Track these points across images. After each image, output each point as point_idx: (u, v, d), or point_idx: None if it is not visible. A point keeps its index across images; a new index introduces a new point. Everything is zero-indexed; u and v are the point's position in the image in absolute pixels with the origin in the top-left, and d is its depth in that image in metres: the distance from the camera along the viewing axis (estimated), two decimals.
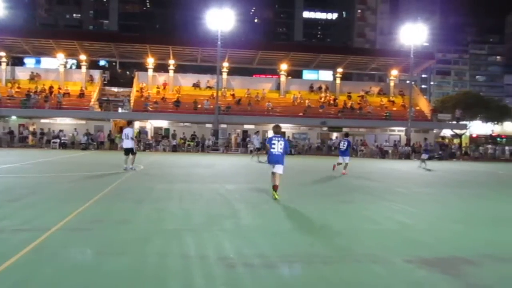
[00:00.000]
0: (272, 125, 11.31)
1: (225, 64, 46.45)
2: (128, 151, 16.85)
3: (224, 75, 46.55)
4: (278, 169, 10.22)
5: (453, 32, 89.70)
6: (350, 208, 9.48)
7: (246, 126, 42.47)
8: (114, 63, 68.65)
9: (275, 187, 10.28)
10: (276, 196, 10.16)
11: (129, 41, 44.28)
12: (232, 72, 48.87)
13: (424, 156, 25.47)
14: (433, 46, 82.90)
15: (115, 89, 48.19)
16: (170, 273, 4.95)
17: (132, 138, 16.84)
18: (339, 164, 18.71)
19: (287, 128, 43.26)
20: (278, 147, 10.16)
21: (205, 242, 6.24)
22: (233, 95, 45.60)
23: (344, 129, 39.59)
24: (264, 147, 12.47)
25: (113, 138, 38.13)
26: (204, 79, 47.18)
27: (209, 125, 40.06)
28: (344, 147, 18.50)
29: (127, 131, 16.93)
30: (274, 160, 10.21)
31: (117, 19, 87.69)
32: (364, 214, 8.75)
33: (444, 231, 7.47)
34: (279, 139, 10.26)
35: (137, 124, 39.98)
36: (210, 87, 45.54)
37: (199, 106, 41.86)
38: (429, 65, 58.07)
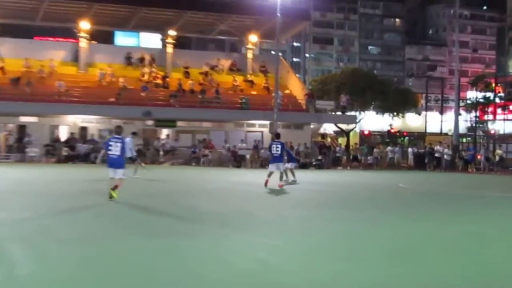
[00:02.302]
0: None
1: None
2: None
3: None
4: (117, 173, 16.38)
5: None
6: (193, 246, 10.53)
7: (23, 119, 43.86)
8: None
9: (114, 188, 16.03)
10: (114, 195, 15.92)
11: None
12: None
13: (290, 165, 27.57)
14: (309, 0, 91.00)
15: None
16: None
17: None
18: (270, 175, 23.02)
19: (90, 122, 45.58)
20: (115, 149, 16.33)
21: None
22: (1, 68, 46.67)
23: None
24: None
25: None
26: None
27: None
28: (278, 152, 23.06)
29: None
30: (112, 163, 16.42)
31: None
32: (213, 252, 9.90)
33: (321, 271, 8.74)
34: (117, 140, 16.46)
35: None
36: None
37: None
38: (303, 28, 65.10)
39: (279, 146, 23.24)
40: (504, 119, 65.66)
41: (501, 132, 64.37)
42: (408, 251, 10.67)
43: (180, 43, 56.81)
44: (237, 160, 44.51)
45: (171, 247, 10.32)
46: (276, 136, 25.49)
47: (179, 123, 47.46)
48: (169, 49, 53.57)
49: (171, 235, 11.69)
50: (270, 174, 23.20)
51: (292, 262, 9.38)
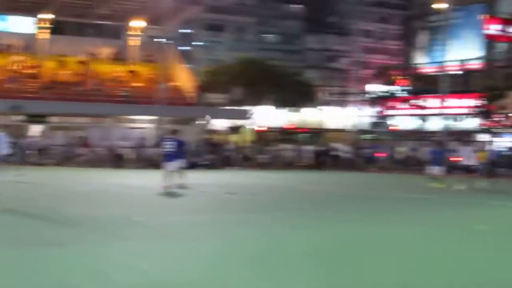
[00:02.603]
0: None
1: None
2: None
3: None
4: None
5: None
6: (62, 256, 9.98)
7: None
8: None
9: None
10: None
11: None
12: None
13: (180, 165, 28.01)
14: None
15: None
16: None
17: None
18: (167, 176, 22.68)
19: None
20: None
21: None
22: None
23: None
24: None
25: None
26: None
27: None
28: (174, 150, 22.73)
29: None
30: None
31: None
32: (87, 264, 9.33)
33: (213, 285, 8.49)
34: None
35: None
36: None
37: None
38: (195, 14, 64.26)
39: (175, 143, 23.11)
40: (408, 114, 66.58)
41: (405, 128, 65.34)
42: (317, 254, 10.80)
43: (56, 28, 54.62)
44: (117, 160, 43.24)
45: (36, 258, 9.59)
46: (172, 132, 25.40)
47: (53, 119, 46.03)
48: (43, 35, 51.65)
49: (36, 244, 11.04)
50: (167, 175, 22.95)
51: (179, 274, 8.99)
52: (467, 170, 29.34)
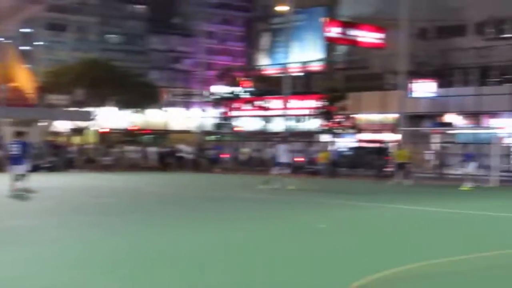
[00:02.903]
0: None
1: None
2: None
3: None
4: None
5: None
6: None
7: None
8: None
9: None
10: None
11: None
12: None
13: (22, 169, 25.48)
14: None
15: None
16: None
17: None
18: (14, 179, 22.36)
19: None
20: None
21: None
22: None
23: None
24: None
25: None
26: None
27: None
28: (18, 153, 22.38)
29: None
30: None
31: None
32: None
33: None
34: None
35: None
36: None
37: None
38: (34, 12, 62.66)
39: (20, 146, 22.85)
40: (252, 116, 67.59)
41: (249, 129, 66.34)
42: (169, 256, 11.07)
43: None
44: None
45: None
46: (17, 134, 24.70)
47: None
48: None
49: None
50: (14, 178, 22.62)
51: (29, 279, 8.78)
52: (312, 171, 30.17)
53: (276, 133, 53.43)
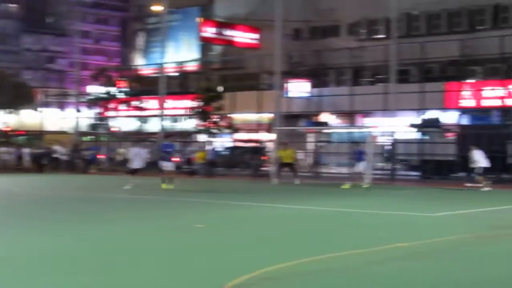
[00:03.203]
0: None
1: None
2: None
3: None
4: None
5: None
6: None
7: None
8: None
9: None
10: None
11: None
12: None
13: None
14: None
15: None
16: None
17: None
18: None
19: None
20: None
21: None
22: None
23: None
24: None
25: None
26: None
27: None
28: None
29: None
30: None
31: None
32: None
33: None
34: None
35: None
36: None
37: None
38: None
39: None
40: (128, 116, 67.37)
41: (125, 129, 66.16)
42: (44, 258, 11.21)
43: None
44: None
45: None
46: None
47: None
48: None
49: None
50: None
51: None
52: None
53: (153, 133, 53.65)
